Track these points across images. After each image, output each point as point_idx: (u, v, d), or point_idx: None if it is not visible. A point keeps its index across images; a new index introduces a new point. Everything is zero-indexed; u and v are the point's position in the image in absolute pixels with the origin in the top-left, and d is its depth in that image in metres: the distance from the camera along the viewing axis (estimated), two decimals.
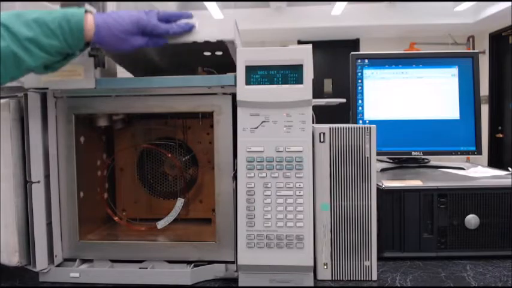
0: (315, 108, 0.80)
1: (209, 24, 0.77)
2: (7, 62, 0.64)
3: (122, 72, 0.94)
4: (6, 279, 0.84)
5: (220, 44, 0.77)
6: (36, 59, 0.66)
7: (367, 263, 0.79)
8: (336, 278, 0.80)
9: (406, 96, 1.22)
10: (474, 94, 1.21)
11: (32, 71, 0.70)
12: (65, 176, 0.83)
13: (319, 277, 0.80)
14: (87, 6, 0.78)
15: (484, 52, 5.38)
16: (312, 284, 0.77)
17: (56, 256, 0.83)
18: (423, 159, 1.23)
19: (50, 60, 0.68)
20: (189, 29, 0.76)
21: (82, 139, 0.87)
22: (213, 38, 0.76)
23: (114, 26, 0.69)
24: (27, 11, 0.66)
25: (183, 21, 0.76)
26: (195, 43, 0.76)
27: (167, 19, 0.75)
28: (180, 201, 0.92)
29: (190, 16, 0.77)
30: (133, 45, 0.72)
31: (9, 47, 0.63)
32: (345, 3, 4.71)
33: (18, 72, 0.67)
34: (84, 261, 0.85)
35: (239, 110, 0.77)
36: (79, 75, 0.80)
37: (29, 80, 0.81)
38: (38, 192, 0.79)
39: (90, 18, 0.68)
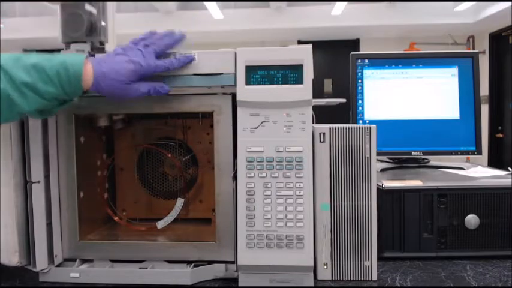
0: (315, 108, 0.80)
1: (209, 58, 0.77)
2: (1, 104, 0.63)
3: None
4: (6, 279, 0.84)
5: None
6: (31, 104, 0.65)
7: (367, 263, 0.79)
8: (336, 278, 0.80)
9: (406, 96, 1.22)
10: (474, 94, 1.21)
11: (25, 115, 0.69)
12: (65, 176, 0.83)
13: (319, 277, 0.80)
14: (87, 6, 0.78)
15: (484, 52, 5.38)
16: (312, 284, 0.77)
17: (56, 256, 0.83)
18: (423, 159, 1.23)
19: (46, 105, 0.67)
20: (190, 61, 0.75)
21: (82, 139, 0.87)
22: (213, 71, 0.77)
23: (113, 76, 0.68)
24: (26, 56, 0.66)
25: (181, 55, 0.75)
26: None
27: (165, 50, 0.74)
28: (180, 201, 0.92)
29: (184, 36, 0.76)
30: (135, 95, 0.71)
31: (5, 90, 0.63)
32: (345, 3, 4.72)
33: (11, 115, 0.66)
34: (84, 261, 0.85)
35: (239, 110, 0.77)
36: None
37: None
38: (37, 192, 0.79)
39: (89, 68, 0.67)
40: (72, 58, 0.66)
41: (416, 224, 0.90)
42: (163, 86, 0.74)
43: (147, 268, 0.81)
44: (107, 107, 0.83)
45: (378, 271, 0.80)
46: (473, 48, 5.47)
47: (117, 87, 0.68)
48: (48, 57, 0.65)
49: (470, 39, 5.66)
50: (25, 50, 6.25)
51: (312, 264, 0.76)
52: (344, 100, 1.23)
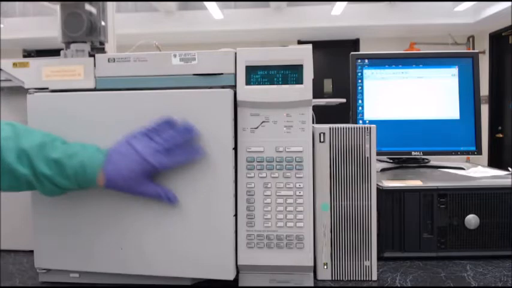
0: (315, 108, 0.80)
1: (209, 58, 0.77)
2: (21, 187, 0.71)
3: None
4: (6, 279, 0.84)
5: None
6: (47, 190, 0.71)
7: (367, 263, 0.79)
8: (336, 278, 0.80)
9: (406, 96, 1.22)
10: (474, 94, 1.21)
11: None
12: None
13: (319, 277, 0.80)
14: (87, 6, 0.78)
15: (484, 52, 5.38)
16: (312, 284, 0.77)
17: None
18: (423, 159, 1.23)
19: (60, 192, 0.73)
20: (199, 155, 0.75)
21: None
22: (213, 71, 0.77)
23: (122, 182, 0.72)
24: (51, 145, 0.70)
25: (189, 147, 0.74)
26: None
27: (176, 147, 0.73)
28: None
29: (197, 134, 0.74)
30: (144, 194, 0.74)
31: (26, 176, 0.68)
32: (345, 3, 4.72)
33: (26, 189, 0.73)
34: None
35: (239, 110, 0.77)
36: (79, 75, 0.80)
37: (29, 80, 0.81)
38: None
39: (104, 168, 0.71)
40: (91, 161, 0.70)
41: (416, 224, 0.90)
42: (168, 194, 0.75)
43: None
44: None
45: (378, 271, 0.80)
46: (473, 48, 5.47)
47: (127, 188, 0.73)
48: (69, 154, 0.70)
49: (470, 39, 5.67)
50: (25, 50, 6.26)
51: (312, 264, 0.76)
52: (344, 100, 1.23)
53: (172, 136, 0.73)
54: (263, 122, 0.76)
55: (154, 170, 0.72)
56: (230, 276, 0.76)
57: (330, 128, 0.79)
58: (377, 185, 0.83)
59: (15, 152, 0.67)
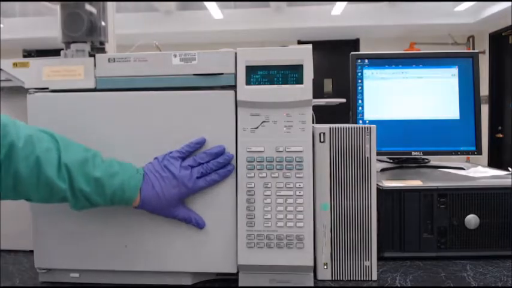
0: (315, 108, 0.80)
1: (209, 58, 0.77)
2: (52, 199, 0.69)
3: None
4: (6, 279, 0.84)
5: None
6: (79, 206, 0.71)
7: (367, 263, 0.79)
8: (336, 278, 0.80)
9: (406, 96, 1.22)
10: (474, 94, 1.21)
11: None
12: None
13: (319, 277, 0.80)
14: (87, 6, 0.78)
15: (484, 52, 5.38)
16: (312, 284, 0.77)
17: None
18: (423, 159, 1.23)
19: (89, 208, 0.72)
20: (229, 174, 0.76)
21: None
22: (213, 71, 0.77)
23: (155, 203, 0.73)
24: (92, 162, 0.69)
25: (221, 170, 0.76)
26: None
27: (211, 170, 0.75)
28: None
29: (232, 157, 0.76)
30: (175, 217, 0.75)
31: (63, 191, 0.67)
32: (345, 3, 4.72)
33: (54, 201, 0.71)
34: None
35: (239, 110, 0.77)
36: (79, 75, 0.80)
37: (29, 80, 0.81)
38: None
39: (142, 190, 0.72)
40: (130, 182, 0.71)
41: (416, 224, 0.90)
42: (198, 219, 0.76)
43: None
44: None
45: (378, 271, 0.80)
46: (473, 48, 5.47)
47: (159, 210, 0.74)
48: (110, 174, 0.70)
49: (470, 39, 5.67)
50: (25, 50, 6.26)
51: (312, 264, 0.76)
52: (344, 100, 1.23)
53: (206, 160, 0.75)
54: (263, 122, 0.76)
55: (189, 194, 0.74)
56: (233, 269, 0.77)
57: (330, 128, 0.79)
58: (377, 185, 0.83)
59: (56, 165, 0.67)
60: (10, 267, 0.90)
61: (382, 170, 1.15)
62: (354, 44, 6.00)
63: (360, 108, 1.22)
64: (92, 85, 0.80)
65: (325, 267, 0.80)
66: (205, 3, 4.70)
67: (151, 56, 0.79)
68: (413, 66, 1.22)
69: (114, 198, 0.70)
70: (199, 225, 0.76)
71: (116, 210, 0.77)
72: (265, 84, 0.76)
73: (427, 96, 1.21)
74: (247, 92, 0.76)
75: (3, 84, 0.88)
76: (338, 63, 5.69)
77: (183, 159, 0.75)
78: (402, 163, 1.23)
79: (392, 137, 1.20)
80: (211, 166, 0.75)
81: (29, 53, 6.28)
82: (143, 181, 0.73)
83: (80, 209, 0.71)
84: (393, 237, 0.90)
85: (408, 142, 1.20)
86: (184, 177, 0.73)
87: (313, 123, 0.79)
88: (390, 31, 5.49)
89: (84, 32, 0.83)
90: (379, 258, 0.81)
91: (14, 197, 0.67)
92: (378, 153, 0.83)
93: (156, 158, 0.75)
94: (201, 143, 0.76)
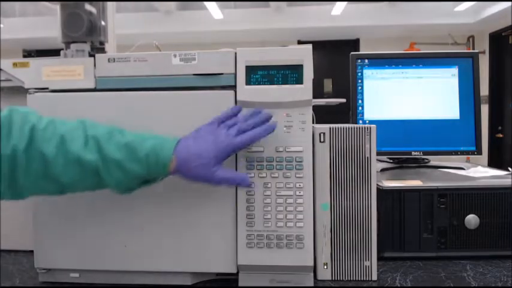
0: (315, 108, 0.80)
1: (209, 58, 0.77)
2: (86, 179, 0.66)
3: None
4: (6, 279, 0.84)
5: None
6: (113, 180, 0.66)
7: (367, 263, 0.79)
8: (336, 278, 0.80)
9: (406, 96, 1.22)
10: (474, 94, 1.21)
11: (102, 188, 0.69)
12: None
13: (319, 277, 0.80)
14: (87, 6, 0.78)
15: (484, 52, 5.38)
16: (312, 284, 0.77)
17: None
18: (423, 159, 1.23)
19: (127, 183, 0.68)
20: (273, 130, 0.72)
21: None
22: (213, 71, 0.77)
23: (194, 163, 0.68)
24: (119, 131, 0.67)
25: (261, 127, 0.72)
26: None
27: (248, 130, 0.71)
28: None
29: (270, 116, 0.73)
30: (217, 179, 0.70)
31: (93, 163, 0.64)
32: (345, 3, 4.72)
33: (88, 187, 0.68)
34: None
35: None
36: (79, 75, 0.80)
37: (29, 80, 0.81)
38: None
39: (176, 151, 0.68)
40: (163, 144, 0.67)
41: (416, 224, 0.90)
42: (244, 179, 0.71)
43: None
44: None
45: (378, 271, 0.80)
46: (473, 48, 5.47)
47: (197, 172, 0.68)
48: (140, 138, 0.67)
49: (470, 39, 5.66)
50: (25, 50, 6.26)
51: (312, 264, 0.76)
52: (344, 100, 1.23)
53: (244, 117, 0.72)
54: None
55: (228, 151, 0.69)
56: (233, 269, 0.77)
57: (330, 128, 0.79)
58: (377, 185, 0.83)
59: (83, 140, 0.64)
60: (10, 267, 0.90)
61: (382, 170, 1.15)
62: (354, 44, 5.99)
63: (360, 108, 1.22)
64: (91, 85, 0.80)
65: (325, 267, 0.80)
66: (205, 3, 4.70)
67: (151, 56, 0.79)
68: (413, 66, 1.22)
69: (149, 162, 0.66)
70: (245, 182, 0.72)
71: (116, 210, 0.77)
72: (265, 84, 0.76)
73: (427, 96, 1.21)
74: (247, 92, 0.76)
75: (3, 84, 0.88)
76: (338, 63, 5.69)
77: (218, 122, 0.72)
78: (402, 163, 1.23)
79: (392, 137, 1.20)
80: (250, 123, 0.71)
81: (29, 53, 6.28)
82: (178, 143, 0.69)
83: (116, 185, 0.67)
84: (393, 237, 0.90)
85: (408, 142, 1.20)
86: (220, 134, 0.70)
87: (313, 123, 0.79)
88: (390, 31, 5.49)
89: (84, 32, 0.83)
90: (379, 258, 0.81)
91: (46, 185, 0.65)
92: (378, 153, 0.83)
93: None
94: (239, 110, 0.74)
